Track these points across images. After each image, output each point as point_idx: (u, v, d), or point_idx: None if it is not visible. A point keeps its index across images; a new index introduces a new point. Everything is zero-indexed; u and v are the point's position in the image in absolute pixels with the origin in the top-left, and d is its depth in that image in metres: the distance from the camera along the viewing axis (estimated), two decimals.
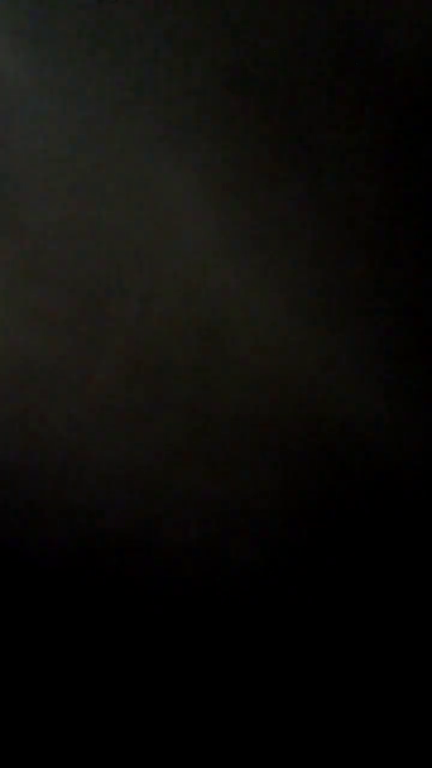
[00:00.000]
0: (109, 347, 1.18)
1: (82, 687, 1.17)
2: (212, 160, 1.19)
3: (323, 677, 1.17)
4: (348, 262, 1.20)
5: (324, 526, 1.17)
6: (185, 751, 1.16)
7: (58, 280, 1.18)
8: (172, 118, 1.19)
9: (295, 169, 1.20)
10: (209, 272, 1.19)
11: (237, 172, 1.19)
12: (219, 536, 1.17)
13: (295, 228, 1.19)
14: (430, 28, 1.20)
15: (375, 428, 1.18)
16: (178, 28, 1.19)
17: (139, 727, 1.17)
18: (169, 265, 1.19)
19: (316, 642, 1.17)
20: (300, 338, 1.19)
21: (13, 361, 1.17)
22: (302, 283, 1.19)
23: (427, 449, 1.19)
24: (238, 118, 1.19)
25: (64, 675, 1.17)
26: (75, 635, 1.17)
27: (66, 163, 1.19)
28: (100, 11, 1.20)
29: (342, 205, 1.20)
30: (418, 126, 1.20)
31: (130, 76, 1.19)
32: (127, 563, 1.17)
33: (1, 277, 1.18)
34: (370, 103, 1.20)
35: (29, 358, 1.17)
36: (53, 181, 1.19)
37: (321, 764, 1.16)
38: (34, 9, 1.19)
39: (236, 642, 1.17)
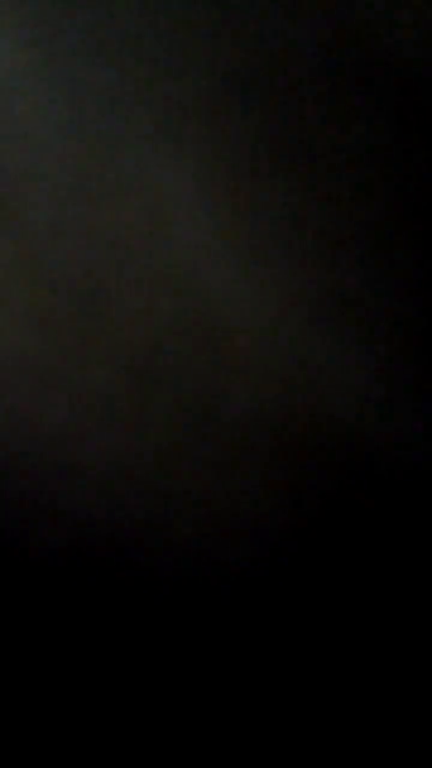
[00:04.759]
0: (109, 347, 1.18)
1: (82, 686, 1.17)
2: (211, 159, 1.19)
3: (323, 676, 1.17)
4: (347, 261, 1.20)
5: (325, 525, 1.17)
6: (185, 747, 1.16)
7: (58, 280, 1.18)
8: (170, 117, 1.19)
9: (294, 168, 1.19)
10: (209, 272, 1.19)
11: (236, 171, 1.19)
12: (219, 536, 1.17)
13: (294, 227, 1.19)
14: (429, 26, 1.20)
15: (375, 428, 1.18)
16: (176, 26, 1.19)
17: (140, 724, 1.17)
18: (168, 265, 1.19)
19: (316, 641, 1.17)
20: (300, 338, 1.19)
21: (12, 360, 1.17)
22: (302, 282, 1.19)
23: (428, 449, 1.19)
24: (236, 117, 1.19)
25: (63, 674, 1.17)
26: (74, 634, 1.17)
27: (65, 164, 1.19)
28: (99, 11, 1.20)
29: (341, 204, 1.20)
30: (416, 124, 1.20)
31: (128, 76, 1.19)
32: (126, 563, 1.17)
33: (0, 277, 1.18)
34: (368, 101, 1.20)
35: (28, 357, 1.17)
36: (52, 182, 1.19)
37: (320, 763, 1.16)
38: (34, 9, 1.19)
39: (236, 641, 1.17)
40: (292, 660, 1.17)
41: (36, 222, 1.18)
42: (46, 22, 1.19)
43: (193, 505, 1.17)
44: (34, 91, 1.19)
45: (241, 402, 1.18)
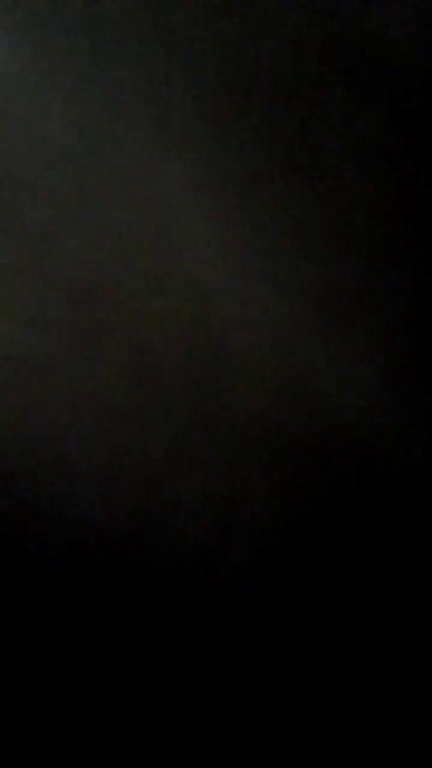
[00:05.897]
0: (109, 347, 1.18)
1: (82, 685, 1.17)
2: (211, 159, 1.19)
3: (322, 674, 1.17)
4: (348, 262, 1.19)
5: (323, 526, 1.17)
6: (184, 746, 1.16)
7: (58, 280, 1.18)
8: (171, 117, 1.19)
9: (294, 168, 1.19)
10: (209, 272, 1.19)
11: (236, 171, 1.19)
12: (218, 536, 1.17)
13: (295, 227, 1.19)
14: (429, 25, 1.20)
15: (375, 428, 1.18)
16: (176, 26, 1.19)
17: (140, 722, 1.17)
18: (168, 265, 1.19)
19: (315, 641, 1.17)
20: (299, 338, 1.19)
21: (11, 360, 1.17)
22: (302, 282, 1.19)
23: (428, 450, 1.18)
24: (236, 117, 1.19)
25: (63, 674, 1.17)
26: (74, 634, 1.17)
27: (65, 164, 1.19)
28: (99, 12, 1.20)
29: (341, 204, 1.19)
30: (417, 124, 1.20)
31: (130, 76, 1.19)
32: (125, 563, 1.17)
33: (0, 277, 1.19)
34: (369, 100, 1.19)
35: (28, 357, 1.17)
36: (53, 181, 1.19)
37: (320, 763, 1.16)
38: (34, 9, 1.19)
39: (235, 641, 1.17)
40: (291, 660, 1.17)
41: (36, 222, 1.18)
42: (46, 23, 1.19)
43: (192, 505, 1.17)
44: (34, 91, 1.19)
45: (241, 402, 1.18)
